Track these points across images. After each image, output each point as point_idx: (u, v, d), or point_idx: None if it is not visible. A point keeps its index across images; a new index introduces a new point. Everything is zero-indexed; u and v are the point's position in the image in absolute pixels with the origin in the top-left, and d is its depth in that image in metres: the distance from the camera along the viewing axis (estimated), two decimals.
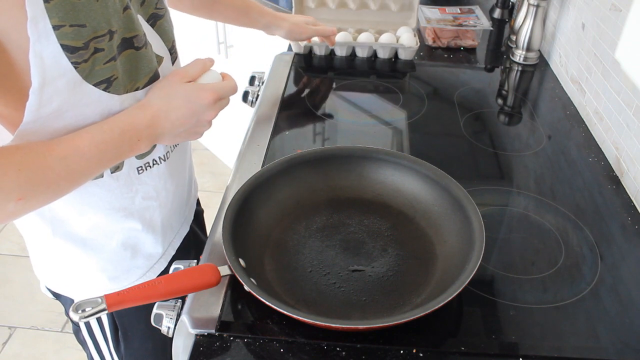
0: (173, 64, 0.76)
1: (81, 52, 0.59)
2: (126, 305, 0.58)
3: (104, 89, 0.63)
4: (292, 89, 1.14)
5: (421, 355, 0.60)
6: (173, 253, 0.85)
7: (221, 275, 0.62)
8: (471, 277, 0.61)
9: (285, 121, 1.02)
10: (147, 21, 0.70)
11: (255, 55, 1.92)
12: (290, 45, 1.27)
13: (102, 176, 0.70)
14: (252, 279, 0.62)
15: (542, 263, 0.73)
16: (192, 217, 0.93)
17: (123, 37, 0.64)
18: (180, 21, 2.56)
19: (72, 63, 0.58)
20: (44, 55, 0.56)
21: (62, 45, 0.57)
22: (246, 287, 0.60)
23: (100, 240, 0.76)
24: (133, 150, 0.66)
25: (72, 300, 0.83)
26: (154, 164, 0.76)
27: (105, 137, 0.63)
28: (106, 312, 0.56)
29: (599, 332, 0.64)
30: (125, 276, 0.80)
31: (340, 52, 1.25)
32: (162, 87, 0.69)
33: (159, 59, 0.72)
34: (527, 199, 0.85)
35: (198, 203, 1.00)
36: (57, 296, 0.85)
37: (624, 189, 0.87)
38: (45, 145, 0.59)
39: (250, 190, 0.73)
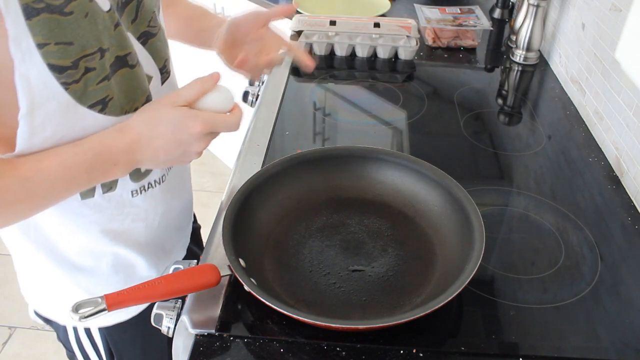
0: (163, 83, 0.72)
1: (70, 72, 0.55)
2: (126, 305, 0.57)
3: (100, 111, 0.60)
4: (292, 89, 1.13)
5: (421, 355, 0.60)
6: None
7: (221, 275, 0.62)
8: (471, 277, 0.61)
9: (285, 121, 1.02)
10: (138, 39, 0.67)
11: None
12: None
13: (93, 196, 0.67)
14: (252, 279, 0.62)
15: (542, 263, 0.73)
16: (188, 240, 0.90)
17: (116, 55, 0.61)
18: None
19: (61, 84, 0.55)
20: (30, 76, 0.52)
21: (48, 65, 0.53)
22: (246, 287, 0.60)
23: (90, 263, 0.73)
24: (107, 175, 0.61)
25: (64, 327, 0.80)
26: (149, 187, 0.73)
27: (77, 159, 0.57)
28: (106, 312, 0.56)
29: (599, 332, 0.64)
30: None
31: (340, 52, 1.25)
32: (148, 109, 0.62)
33: (148, 79, 0.68)
34: (527, 199, 0.85)
35: (195, 220, 0.97)
36: (47, 322, 0.82)
37: (624, 189, 0.87)
38: (8, 163, 0.55)
39: (250, 190, 0.72)
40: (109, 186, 0.68)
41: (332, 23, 1.23)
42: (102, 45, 0.58)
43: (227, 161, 2.46)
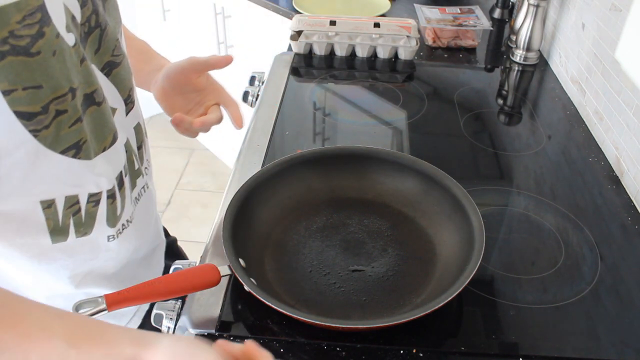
0: (127, 114, 0.68)
1: (40, 118, 0.51)
2: (126, 305, 0.57)
3: (74, 156, 0.56)
4: (292, 89, 1.13)
5: (421, 355, 0.60)
6: (147, 308, 0.78)
7: (221, 275, 0.62)
8: (471, 277, 0.61)
9: (285, 121, 1.02)
10: (102, 70, 0.62)
11: (255, 55, 1.92)
12: (290, 45, 1.28)
13: (65, 240, 0.63)
14: (252, 279, 0.62)
15: (542, 263, 0.73)
16: (162, 265, 0.86)
17: (84, 92, 0.56)
18: (180, 21, 2.56)
19: (30, 131, 0.50)
20: None
21: (15, 113, 0.49)
22: (246, 287, 0.60)
23: (61, 304, 0.65)
24: None
25: None
26: (123, 229, 0.69)
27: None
28: (106, 312, 0.56)
29: (599, 332, 0.64)
30: None
31: (340, 52, 1.25)
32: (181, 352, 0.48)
33: (112, 111, 0.64)
34: (527, 199, 0.85)
35: (166, 234, 0.92)
36: None
37: (624, 189, 0.87)
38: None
39: (250, 190, 0.72)
40: (84, 231, 0.64)
41: (332, 23, 1.23)
42: (72, 85, 0.54)
43: (227, 161, 2.46)
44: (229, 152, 2.39)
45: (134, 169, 0.72)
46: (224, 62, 0.78)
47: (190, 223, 2.22)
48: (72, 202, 0.61)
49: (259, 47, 1.88)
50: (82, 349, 0.47)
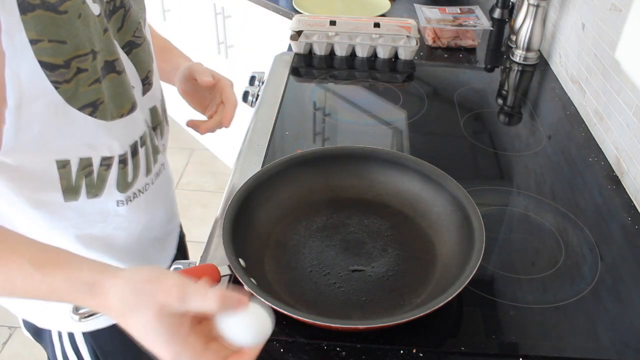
0: (144, 94, 0.71)
1: (62, 71, 0.54)
2: None
3: (90, 114, 0.59)
4: (292, 89, 1.14)
5: (421, 355, 0.60)
6: None
7: (221, 275, 0.62)
8: (471, 277, 0.61)
9: (285, 121, 1.02)
10: (123, 48, 0.66)
11: (255, 55, 1.92)
12: (290, 45, 1.28)
13: (76, 199, 0.65)
14: (252, 279, 0.62)
15: (542, 263, 0.73)
16: (174, 252, 0.88)
17: (105, 59, 0.60)
18: (180, 21, 2.56)
19: (52, 82, 0.54)
20: (21, 71, 0.51)
21: (40, 62, 0.52)
22: (246, 287, 0.60)
23: None
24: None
25: (52, 344, 0.78)
26: (134, 197, 0.71)
27: (39, 287, 0.49)
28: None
29: (599, 332, 0.64)
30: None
31: (340, 52, 1.25)
32: (132, 289, 0.47)
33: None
34: (527, 199, 0.85)
35: (180, 228, 0.94)
36: (37, 335, 0.81)
37: (624, 189, 0.87)
38: None
39: (250, 190, 0.72)
40: (95, 193, 0.66)
41: (332, 23, 1.23)
42: (94, 48, 0.57)
43: (227, 161, 2.46)
44: (229, 152, 2.39)
45: (155, 145, 0.75)
46: (206, 84, 0.82)
47: (190, 223, 2.21)
48: (85, 165, 0.64)
49: (259, 47, 1.88)
50: (46, 272, 0.49)
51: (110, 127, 0.62)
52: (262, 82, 1.15)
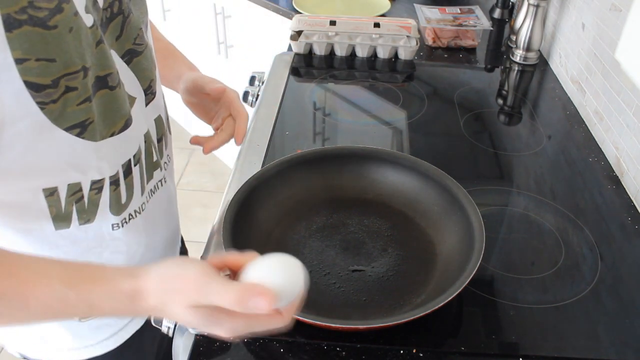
0: (147, 105, 0.68)
1: (49, 91, 0.51)
2: None
3: (78, 135, 0.55)
4: (292, 89, 1.14)
5: (421, 355, 0.60)
6: None
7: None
8: (471, 277, 0.61)
9: (285, 121, 1.02)
10: (122, 57, 0.62)
11: (255, 55, 1.92)
12: (290, 45, 1.28)
13: (68, 227, 0.62)
14: None
15: (542, 263, 0.73)
16: None
17: (97, 75, 0.56)
18: (180, 21, 2.56)
19: (37, 103, 0.50)
20: (4, 92, 0.48)
21: (25, 82, 0.49)
22: None
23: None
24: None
25: None
26: (130, 219, 0.68)
27: (74, 305, 0.48)
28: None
29: (599, 332, 0.64)
30: (92, 335, 0.72)
31: (340, 52, 1.25)
32: (169, 283, 0.48)
33: (131, 100, 0.63)
34: (527, 199, 0.85)
35: (182, 243, 0.92)
36: None
37: (624, 189, 0.87)
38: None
39: (250, 190, 0.72)
40: (87, 218, 0.63)
41: (332, 23, 1.23)
42: (85, 64, 0.53)
43: (227, 161, 2.46)
44: (229, 152, 2.39)
45: (151, 161, 0.71)
46: (216, 92, 0.81)
47: (191, 223, 2.21)
48: (74, 190, 0.60)
49: (259, 47, 1.88)
50: (80, 290, 0.48)
51: (99, 147, 0.59)
52: (262, 82, 1.15)
